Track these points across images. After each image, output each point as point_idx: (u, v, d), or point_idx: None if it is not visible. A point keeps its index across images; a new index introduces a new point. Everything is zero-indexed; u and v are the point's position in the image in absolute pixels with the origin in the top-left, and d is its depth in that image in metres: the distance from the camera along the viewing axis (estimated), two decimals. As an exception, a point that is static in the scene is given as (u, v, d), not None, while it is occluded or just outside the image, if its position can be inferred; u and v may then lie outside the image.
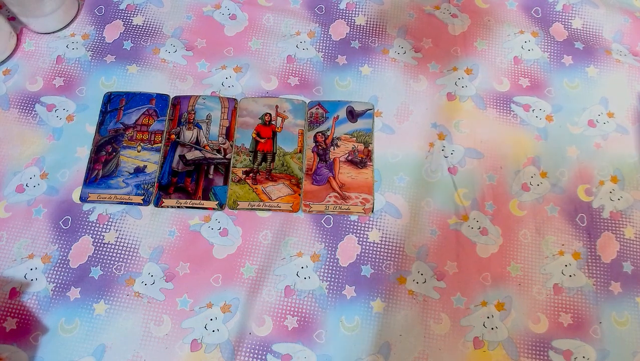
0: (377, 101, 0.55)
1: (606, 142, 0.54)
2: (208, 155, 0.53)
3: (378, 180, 0.52)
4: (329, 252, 0.49)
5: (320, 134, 0.54)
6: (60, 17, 0.57)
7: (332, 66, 0.57)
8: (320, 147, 0.53)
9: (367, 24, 0.60)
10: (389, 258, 0.49)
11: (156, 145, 0.53)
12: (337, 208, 0.50)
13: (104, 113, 0.54)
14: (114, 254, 0.48)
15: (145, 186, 0.51)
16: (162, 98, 0.55)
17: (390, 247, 0.49)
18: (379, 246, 0.49)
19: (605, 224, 0.51)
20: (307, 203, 0.51)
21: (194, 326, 0.46)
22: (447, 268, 0.49)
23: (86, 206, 0.50)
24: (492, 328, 0.46)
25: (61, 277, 0.47)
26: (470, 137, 0.54)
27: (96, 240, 0.49)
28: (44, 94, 0.55)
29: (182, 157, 0.53)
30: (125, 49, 0.58)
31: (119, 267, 0.48)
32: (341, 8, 0.61)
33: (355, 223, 0.50)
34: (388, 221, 0.50)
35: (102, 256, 0.48)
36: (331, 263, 0.49)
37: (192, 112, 0.54)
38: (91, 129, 0.54)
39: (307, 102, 0.55)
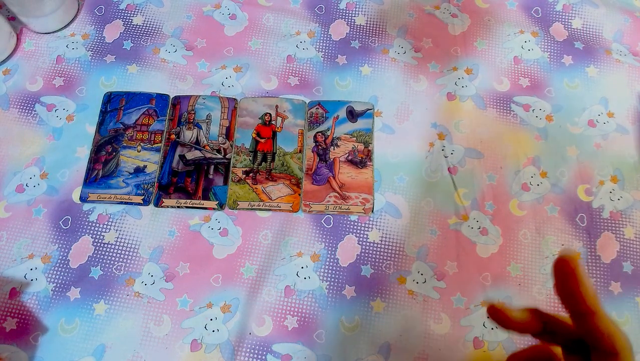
0: (377, 101, 0.55)
1: (606, 142, 0.54)
2: (208, 155, 0.53)
3: (378, 180, 0.52)
4: (329, 252, 0.49)
5: (320, 134, 0.54)
6: (60, 17, 0.57)
7: (332, 66, 0.57)
8: (320, 147, 0.53)
9: (367, 24, 0.60)
10: (389, 258, 0.49)
11: (156, 145, 0.53)
12: (337, 208, 0.50)
13: (104, 113, 0.54)
14: (114, 254, 0.48)
15: (145, 186, 0.51)
16: (162, 98, 0.55)
17: (390, 247, 0.49)
18: (379, 246, 0.49)
19: (605, 224, 0.51)
20: (307, 203, 0.51)
21: (194, 326, 0.46)
22: (447, 268, 0.49)
23: (86, 206, 0.50)
24: (492, 328, 0.46)
25: (61, 277, 0.47)
26: (470, 137, 0.54)
27: (96, 240, 0.49)
28: (44, 94, 0.55)
29: (182, 157, 0.53)
30: (125, 49, 0.58)
31: (119, 267, 0.48)
32: (341, 8, 0.61)
33: (355, 223, 0.50)
34: (388, 221, 0.50)
35: (102, 256, 0.48)
36: (331, 263, 0.49)
37: (192, 112, 0.54)
38: (91, 129, 0.54)
39: (307, 102, 0.55)
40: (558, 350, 0.26)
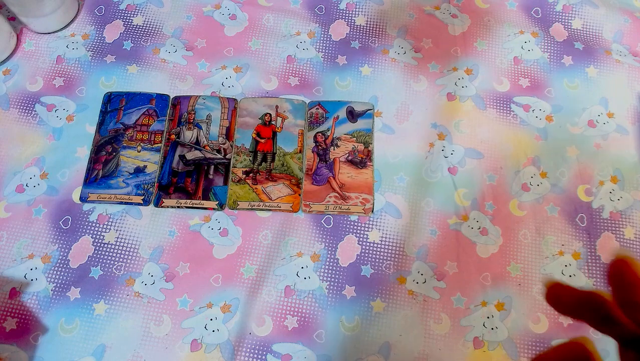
0: (377, 101, 0.55)
1: (606, 143, 0.54)
2: (208, 155, 0.53)
3: (378, 180, 0.52)
4: (329, 252, 0.49)
5: (320, 134, 0.54)
6: (60, 17, 0.57)
7: (332, 66, 0.57)
8: (320, 147, 0.53)
9: (367, 24, 0.60)
10: (389, 258, 0.49)
11: (156, 145, 0.53)
12: (337, 208, 0.50)
13: (104, 113, 0.54)
14: (114, 254, 0.48)
15: (145, 186, 0.51)
16: (162, 98, 0.55)
17: (390, 247, 0.49)
18: (379, 246, 0.49)
19: (605, 224, 0.51)
20: (307, 203, 0.51)
21: (194, 326, 0.46)
22: (447, 268, 0.49)
23: (86, 206, 0.50)
24: (492, 328, 0.46)
25: (61, 277, 0.47)
26: (470, 137, 0.54)
27: (96, 240, 0.49)
28: (44, 94, 0.55)
29: (182, 157, 0.53)
30: (125, 49, 0.58)
31: (119, 267, 0.48)
32: (341, 8, 0.61)
33: (355, 223, 0.50)
34: (388, 221, 0.50)
35: (102, 256, 0.48)
36: (331, 263, 0.49)
37: (192, 112, 0.54)
38: (91, 129, 0.54)
39: (307, 102, 0.55)
40: (593, 348, 0.22)
